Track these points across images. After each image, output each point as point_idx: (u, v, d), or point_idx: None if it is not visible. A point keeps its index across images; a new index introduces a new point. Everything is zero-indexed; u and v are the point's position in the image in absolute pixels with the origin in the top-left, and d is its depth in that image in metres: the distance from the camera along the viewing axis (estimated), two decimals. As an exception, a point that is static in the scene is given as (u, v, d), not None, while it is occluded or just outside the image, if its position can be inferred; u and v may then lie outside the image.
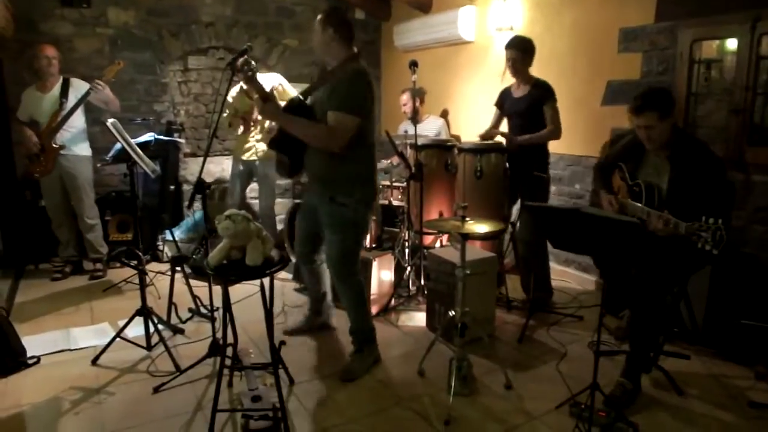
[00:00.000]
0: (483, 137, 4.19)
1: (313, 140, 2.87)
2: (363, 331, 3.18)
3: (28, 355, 3.24)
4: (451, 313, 3.01)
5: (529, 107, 3.89)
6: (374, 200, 3.17)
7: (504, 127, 4.23)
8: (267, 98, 2.92)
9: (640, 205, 2.77)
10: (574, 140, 4.41)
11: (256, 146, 4.82)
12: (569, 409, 2.69)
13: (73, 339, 3.52)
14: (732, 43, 3.55)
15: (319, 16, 2.92)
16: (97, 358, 3.24)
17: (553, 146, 4.19)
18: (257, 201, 5.10)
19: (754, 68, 3.35)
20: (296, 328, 3.62)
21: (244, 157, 4.83)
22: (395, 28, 6.20)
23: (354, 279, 3.13)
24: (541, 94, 3.85)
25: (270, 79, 4.66)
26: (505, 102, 4.12)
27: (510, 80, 4.09)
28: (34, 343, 3.40)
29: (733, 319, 3.14)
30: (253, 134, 4.80)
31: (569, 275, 4.63)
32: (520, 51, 3.85)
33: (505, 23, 4.89)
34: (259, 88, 2.97)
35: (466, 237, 2.91)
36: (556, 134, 3.88)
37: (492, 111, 4.30)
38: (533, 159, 3.91)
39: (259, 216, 5.00)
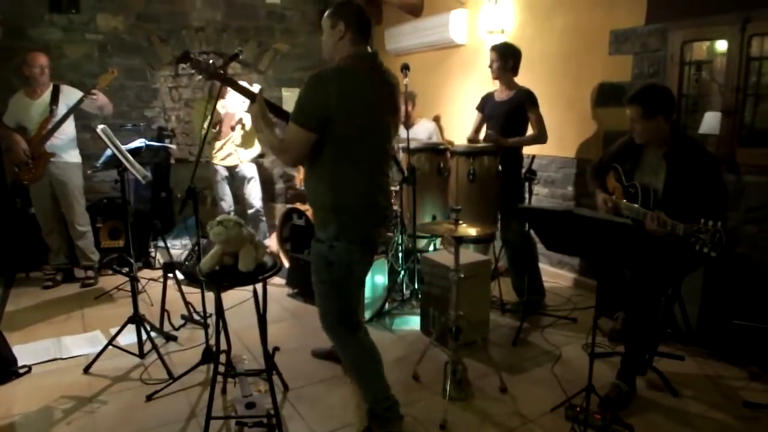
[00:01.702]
0: (471, 141, 4.27)
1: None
2: (369, 404, 2.49)
3: (19, 364, 3.20)
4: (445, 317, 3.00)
5: (510, 111, 3.97)
6: (364, 236, 2.35)
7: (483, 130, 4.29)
8: (252, 98, 2.52)
9: (636, 206, 2.78)
10: (566, 142, 4.43)
11: (237, 151, 4.86)
12: (565, 411, 2.68)
13: (64, 347, 3.49)
14: (722, 45, 3.57)
15: (328, 10, 2.38)
16: (89, 366, 3.21)
17: (545, 149, 4.21)
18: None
19: (744, 69, 3.36)
20: (325, 352, 3.27)
21: (225, 163, 4.89)
22: (386, 32, 6.19)
23: (338, 340, 2.47)
24: (524, 99, 3.93)
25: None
26: (486, 106, 4.19)
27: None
28: (25, 351, 3.37)
29: (727, 319, 3.15)
30: (230, 140, 4.83)
31: (562, 277, 4.63)
32: (498, 53, 3.95)
33: (497, 26, 4.90)
34: (242, 88, 2.71)
35: (460, 240, 2.90)
36: (542, 139, 3.97)
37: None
38: (510, 162, 4.01)
39: (249, 217, 5.02)
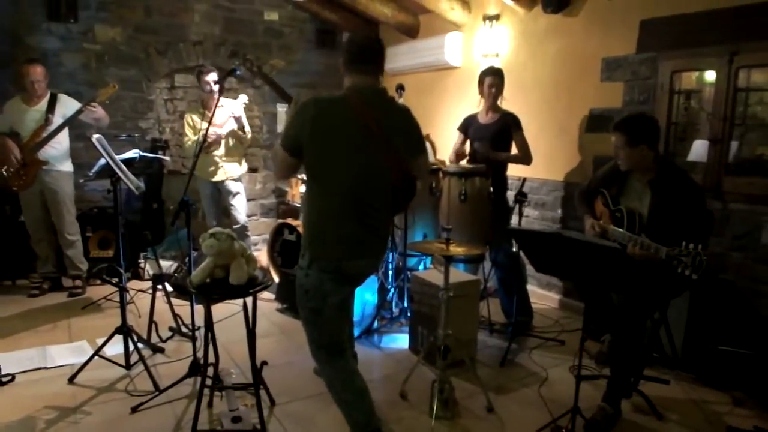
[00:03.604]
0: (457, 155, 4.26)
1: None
2: (351, 428, 2.44)
3: (3, 372, 3.17)
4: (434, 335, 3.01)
5: (496, 134, 4.02)
6: (335, 266, 2.32)
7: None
8: (289, 100, 2.53)
9: (621, 230, 2.83)
10: (557, 166, 4.48)
11: (224, 166, 4.79)
12: (550, 433, 2.69)
13: (49, 357, 3.46)
14: (710, 75, 3.65)
15: None
16: (74, 376, 3.18)
17: (536, 172, 4.27)
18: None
19: (731, 100, 3.44)
20: None
21: (211, 178, 4.80)
22: (382, 51, 6.26)
23: (319, 363, 2.51)
24: (510, 123, 3.99)
25: (234, 104, 4.70)
26: (469, 127, 4.21)
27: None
28: (9, 360, 3.34)
29: (712, 344, 3.18)
30: (215, 153, 4.77)
31: (550, 299, 4.66)
32: (499, 78, 4.03)
33: (491, 50, 4.98)
34: (280, 89, 2.68)
35: (450, 259, 2.92)
36: (527, 160, 4.02)
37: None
38: (496, 184, 4.02)
39: (235, 232, 4.97)
